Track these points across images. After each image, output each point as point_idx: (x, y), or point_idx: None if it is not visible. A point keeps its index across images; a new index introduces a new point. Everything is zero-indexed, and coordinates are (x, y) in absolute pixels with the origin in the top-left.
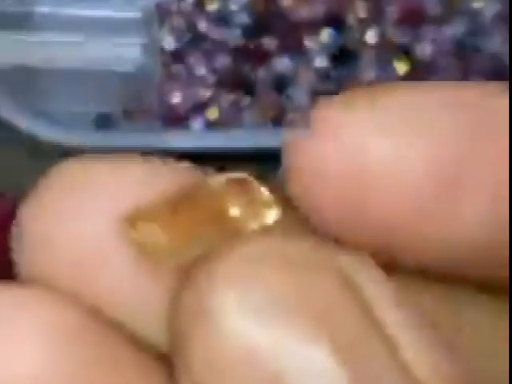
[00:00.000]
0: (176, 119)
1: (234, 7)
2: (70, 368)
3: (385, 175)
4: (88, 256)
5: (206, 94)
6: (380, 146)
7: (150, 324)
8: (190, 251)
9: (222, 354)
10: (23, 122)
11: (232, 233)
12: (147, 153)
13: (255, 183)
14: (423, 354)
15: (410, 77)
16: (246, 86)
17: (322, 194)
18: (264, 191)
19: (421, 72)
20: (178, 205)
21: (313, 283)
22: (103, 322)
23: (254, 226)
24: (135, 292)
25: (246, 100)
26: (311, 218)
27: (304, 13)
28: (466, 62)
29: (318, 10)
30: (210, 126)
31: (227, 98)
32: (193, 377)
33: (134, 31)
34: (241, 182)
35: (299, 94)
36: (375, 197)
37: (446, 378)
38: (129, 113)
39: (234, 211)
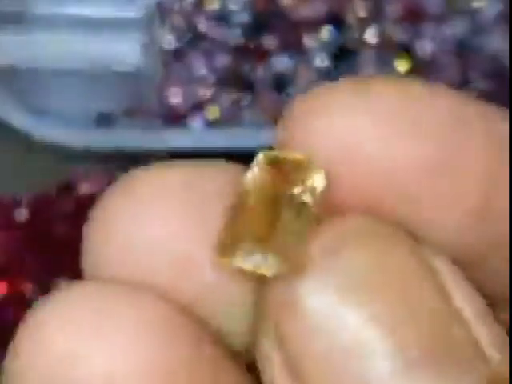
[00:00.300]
0: (176, 118)
1: (233, 7)
2: (171, 365)
3: (370, 159)
4: (170, 258)
5: (206, 93)
6: (369, 131)
7: (231, 323)
8: (278, 246)
9: (304, 331)
10: (22, 122)
11: (298, 213)
12: (147, 152)
13: (285, 154)
14: (487, 333)
15: (411, 75)
16: (245, 85)
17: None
18: (298, 156)
19: (421, 70)
20: (239, 212)
21: (393, 259)
22: (196, 319)
23: (311, 195)
24: (218, 292)
25: (246, 99)
26: None
27: (304, 12)
28: (466, 61)
29: (317, 9)
30: (210, 125)
31: (227, 97)
32: (286, 351)
33: (135, 30)
34: (273, 162)
35: (299, 92)
36: (359, 174)
37: (506, 357)
38: (129, 112)
39: (291, 192)
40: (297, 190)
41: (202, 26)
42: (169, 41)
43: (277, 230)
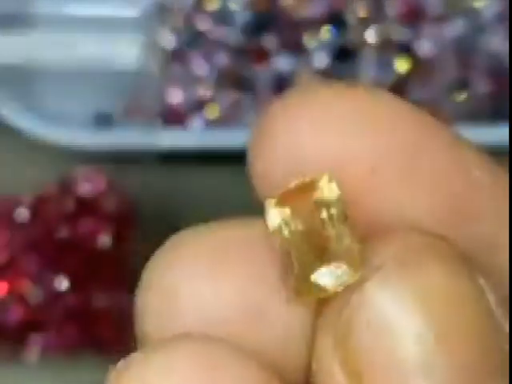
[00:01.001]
0: (176, 118)
1: (233, 7)
2: None
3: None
4: (240, 310)
5: (206, 93)
6: (317, 143)
7: (294, 362)
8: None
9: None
10: (22, 122)
11: (335, 226)
12: (147, 152)
13: (287, 186)
14: None
15: (411, 75)
16: (245, 85)
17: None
18: (301, 181)
19: (421, 70)
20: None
21: (459, 279)
22: (266, 362)
23: (334, 206)
24: (287, 335)
25: (246, 99)
26: None
27: (304, 12)
28: (466, 61)
29: (318, 9)
30: (210, 125)
31: (227, 97)
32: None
33: (135, 30)
34: (283, 198)
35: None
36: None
37: None
38: (129, 112)
39: (318, 213)
40: (321, 208)
41: (202, 26)
42: (169, 41)
43: (330, 249)
